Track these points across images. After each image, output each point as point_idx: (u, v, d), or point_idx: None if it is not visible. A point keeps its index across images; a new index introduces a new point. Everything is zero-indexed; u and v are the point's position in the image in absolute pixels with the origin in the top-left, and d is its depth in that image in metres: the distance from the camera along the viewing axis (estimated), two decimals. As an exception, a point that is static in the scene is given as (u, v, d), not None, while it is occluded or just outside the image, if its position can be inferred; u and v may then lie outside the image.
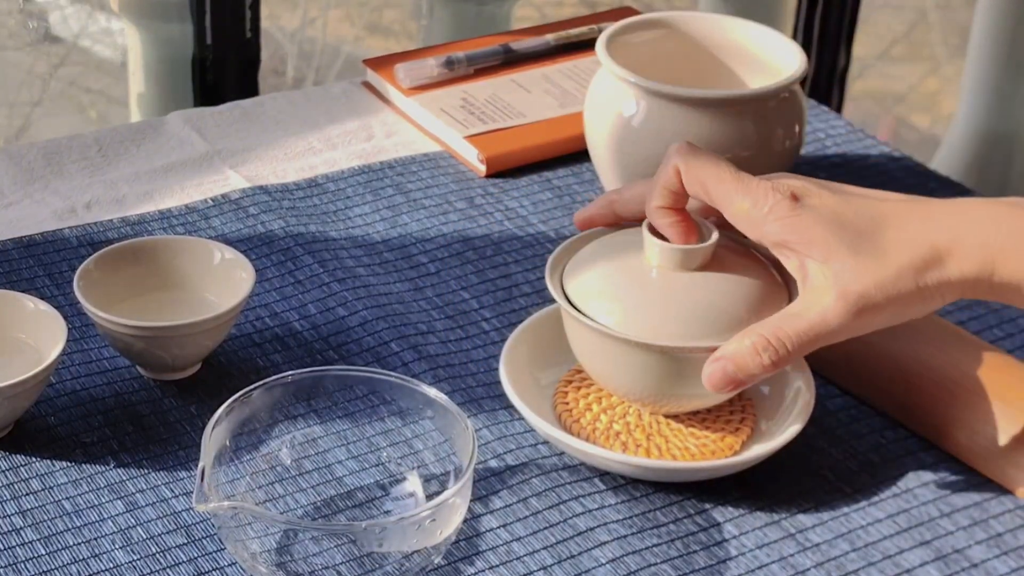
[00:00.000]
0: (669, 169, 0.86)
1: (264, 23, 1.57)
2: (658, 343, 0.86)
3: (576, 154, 1.21)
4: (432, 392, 0.87)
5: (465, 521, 0.85)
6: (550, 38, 1.32)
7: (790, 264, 0.84)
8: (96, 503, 0.87)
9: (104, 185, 1.14)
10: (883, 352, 0.96)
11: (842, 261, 0.82)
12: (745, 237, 0.87)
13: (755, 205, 0.84)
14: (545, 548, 0.86)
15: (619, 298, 0.87)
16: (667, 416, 0.92)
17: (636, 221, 0.91)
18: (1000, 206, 0.84)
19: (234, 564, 0.83)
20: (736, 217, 0.85)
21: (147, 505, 0.87)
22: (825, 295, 0.82)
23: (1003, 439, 0.91)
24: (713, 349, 0.85)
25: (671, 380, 0.88)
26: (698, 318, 0.86)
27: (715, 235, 0.88)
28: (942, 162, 2.16)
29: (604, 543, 0.86)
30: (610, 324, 0.86)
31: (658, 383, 0.88)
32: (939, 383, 0.94)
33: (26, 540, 0.84)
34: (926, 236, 0.83)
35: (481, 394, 0.96)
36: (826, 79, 1.94)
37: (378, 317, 1.02)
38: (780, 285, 0.89)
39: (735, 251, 0.90)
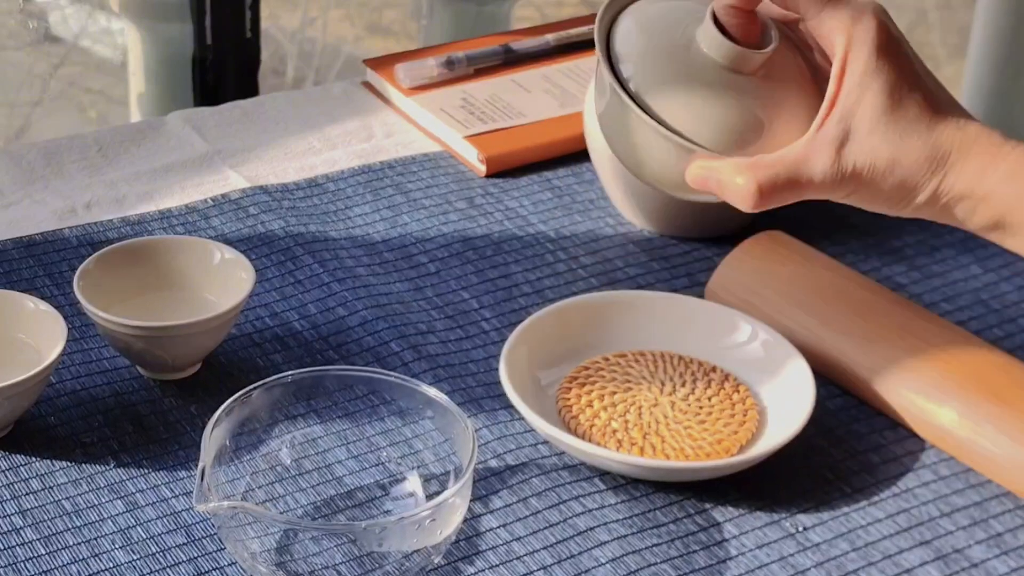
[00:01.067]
0: None
1: (264, 23, 1.57)
2: (686, 145, 0.81)
3: (576, 154, 1.20)
4: (432, 392, 0.87)
5: (465, 521, 0.85)
6: (550, 38, 1.32)
7: (833, 73, 0.80)
8: (96, 503, 0.87)
9: (104, 185, 1.14)
10: (884, 354, 0.96)
11: (853, 131, 0.80)
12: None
13: (841, 29, 0.80)
14: (545, 548, 0.86)
15: (657, 80, 0.82)
16: (667, 413, 0.92)
17: None
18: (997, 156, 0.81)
19: (234, 564, 0.83)
20: (818, 33, 0.81)
21: (147, 505, 0.87)
22: (824, 154, 0.79)
23: (1003, 439, 0.91)
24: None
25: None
26: (730, 125, 0.81)
27: (774, 44, 0.82)
28: (942, 162, 2.16)
29: (604, 543, 0.86)
30: (643, 101, 0.81)
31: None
32: (940, 383, 0.94)
33: (26, 540, 0.84)
34: (925, 155, 0.80)
35: (481, 394, 0.96)
36: (826, 79, 1.93)
37: (378, 317, 1.02)
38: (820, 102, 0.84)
39: (791, 60, 0.84)
